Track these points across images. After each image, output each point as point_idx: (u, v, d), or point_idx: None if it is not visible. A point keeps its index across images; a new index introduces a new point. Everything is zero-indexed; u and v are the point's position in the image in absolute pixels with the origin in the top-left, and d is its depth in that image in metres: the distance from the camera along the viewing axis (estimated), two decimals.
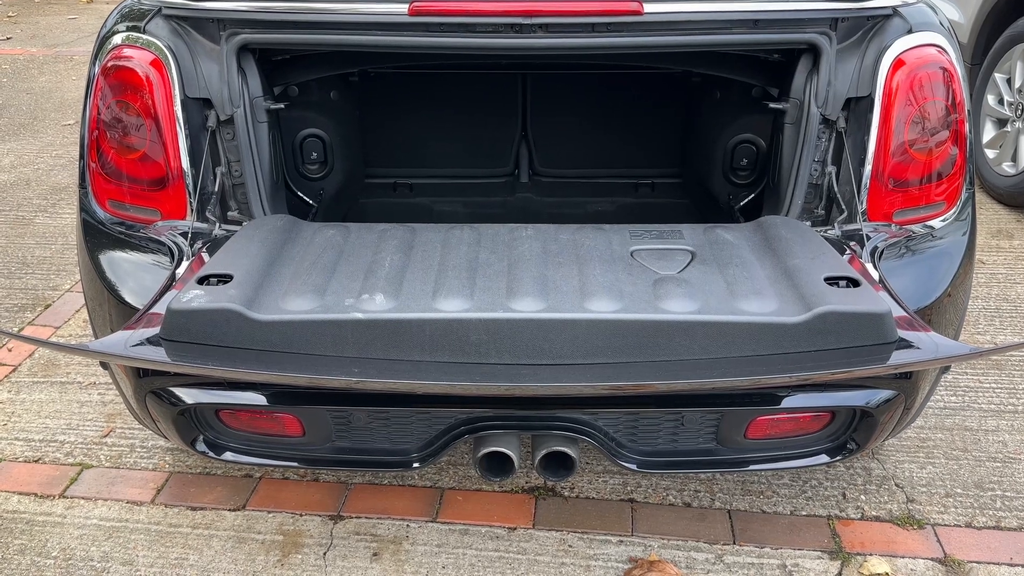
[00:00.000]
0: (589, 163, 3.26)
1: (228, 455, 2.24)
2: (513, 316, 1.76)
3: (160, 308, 1.81)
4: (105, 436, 3.11)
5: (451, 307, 1.79)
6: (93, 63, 2.36)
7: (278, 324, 1.74)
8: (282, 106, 2.43)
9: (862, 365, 1.70)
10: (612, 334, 1.75)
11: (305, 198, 2.78)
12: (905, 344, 1.74)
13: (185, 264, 2.06)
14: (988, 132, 4.98)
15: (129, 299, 2.15)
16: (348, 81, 3.00)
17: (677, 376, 1.73)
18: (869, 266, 2.06)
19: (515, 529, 2.64)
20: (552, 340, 1.76)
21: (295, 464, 2.26)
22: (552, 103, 3.18)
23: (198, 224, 2.27)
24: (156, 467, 2.95)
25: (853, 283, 1.85)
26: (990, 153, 4.97)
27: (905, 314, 1.78)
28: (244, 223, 2.28)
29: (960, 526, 2.65)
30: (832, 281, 1.85)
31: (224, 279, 1.85)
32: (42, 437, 3.11)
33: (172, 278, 2.00)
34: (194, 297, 1.76)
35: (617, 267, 1.95)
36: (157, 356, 1.70)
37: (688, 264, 1.98)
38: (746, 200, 2.76)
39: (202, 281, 1.85)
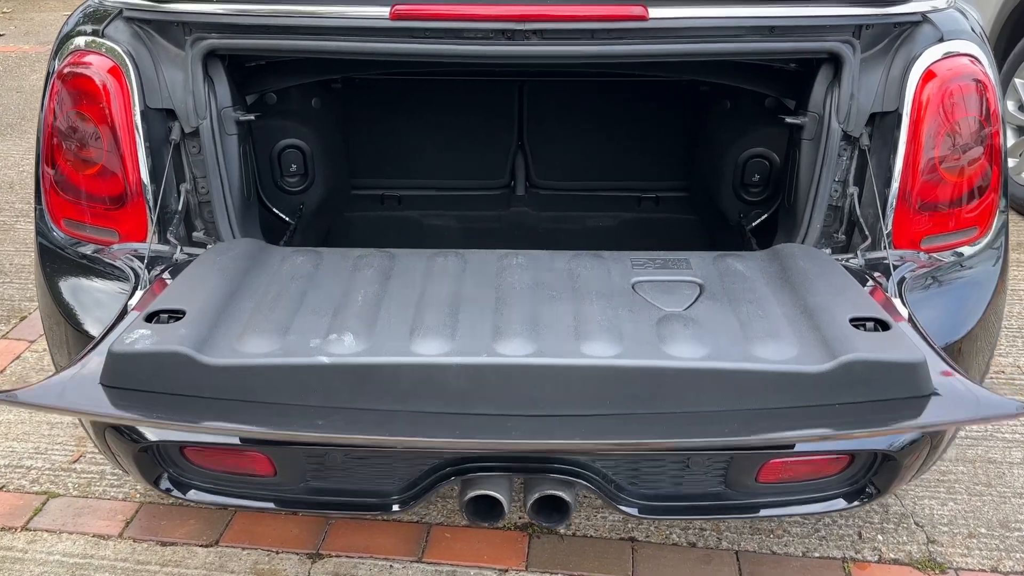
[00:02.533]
0: (589, 175, 3.07)
1: (194, 494, 2.06)
2: (499, 361, 1.57)
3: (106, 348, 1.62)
4: (74, 462, 2.93)
5: (430, 350, 1.60)
6: (52, 62, 2.17)
7: (232, 369, 1.55)
8: (252, 117, 2.24)
9: (893, 423, 1.50)
10: (611, 382, 1.56)
11: (281, 215, 2.58)
12: (941, 396, 1.54)
13: (139, 295, 1.86)
14: (1008, 140, 4.77)
15: (89, 329, 1.98)
16: (331, 88, 2.80)
17: (684, 432, 1.54)
18: (897, 302, 1.86)
19: (507, 571, 2.46)
20: (543, 389, 1.57)
21: (266, 505, 2.08)
22: (550, 111, 2.98)
23: (158, 247, 2.08)
24: (126, 496, 2.77)
25: (882, 325, 1.65)
26: (1010, 162, 4.76)
27: (944, 364, 1.58)
28: (207, 247, 2.09)
29: (985, 571, 2.46)
30: (858, 323, 1.65)
31: (176, 315, 1.66)
32: (7, 462, 2.93)
33: (123, 311, 1.81)
34: (139, 338, 1.57)
35: (617, 302, 1.75)
36: (95, 406, 1.51)
37: (696, 299, 1.79)
38: (759, 220, 2.55)
39: (151, 318, 1.66)
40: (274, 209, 2.58)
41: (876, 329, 1.66)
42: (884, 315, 1.67)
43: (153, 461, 1.96)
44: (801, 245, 2.07)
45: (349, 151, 3.03)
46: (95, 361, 1.59)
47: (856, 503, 2.03)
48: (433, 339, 1.63)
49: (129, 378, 1.56)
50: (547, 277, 1.86)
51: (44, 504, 2.72)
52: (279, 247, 2.03)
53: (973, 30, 2.15)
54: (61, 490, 2.79)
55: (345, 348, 1.60)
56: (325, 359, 1.56)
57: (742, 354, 1.58)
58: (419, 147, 3.02)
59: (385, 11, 1.99)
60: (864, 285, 1.96)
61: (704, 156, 2.87)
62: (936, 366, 1.58)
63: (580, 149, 3.05)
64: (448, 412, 1.57)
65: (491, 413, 1.57)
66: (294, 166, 2.70)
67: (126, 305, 1.83)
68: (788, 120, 2.20)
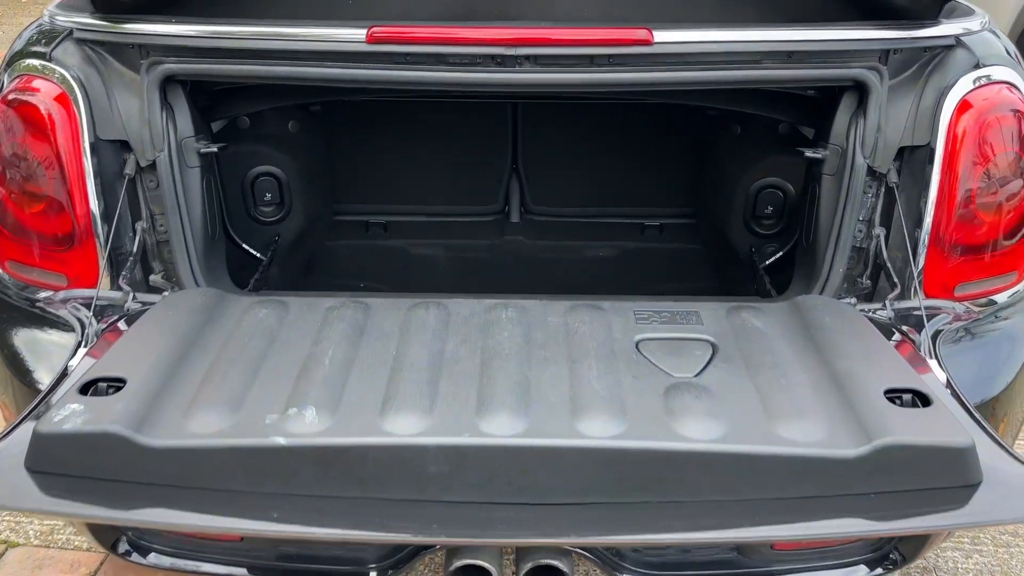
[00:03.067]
0: (588, 201, 2.86)
1: (155, 558, 1.86)
2: (484, 442, 1.37)
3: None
4: None
5: (404, 427, 1.39)
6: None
7: (175, 452, 1.35)
8: (215, 149, 2.03)
9: (936, 519, 1.31)
10: (613, 467, 1.36)
11: (251, 251, 2.37)
12: (990, 486, 1.34)
13: (81, 354, 1.66)
14: None
15: (39, 380, 1.79)
16: (309, 110, 2.60)
17: (695, 524, 1.34)
18: (933, 364, 1.66)
19: None
20: (535, 474, 1.37)
21: (235, 571, 1.87)
22: (546, 133, 2.78)
23: (108, 294, 1.88)
24: (90, 547, 2.57)
25: (921, 399, 1.45)
26: None
27: (995, 446, 1.38)
28: (162, 295, 1.88)
29: None
30: (894, 395, 1.45)
31: (116, 384, 1.46)
32: None
33: (61, 375, 1.60)
34: (69, 415, 1.37)
35: (619, 366, 1.55)
36: (15, 498, 1.31)
37: (709, 362, 1.58)
38: (774, 259, 2.34)
39: (87, 388, 1.45)
40: (244, 245, 2.37)
41: (914, 403, 1.45)
42: (923, 387, 1.47)
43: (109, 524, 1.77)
44: (824, 297, 1.86)
45: (331, 175, 2.83)
46: (20, 440, 1.38)
47: (879, 570, 1.84)
48: (408, 413, 1.42)
49: (58, 462, 1.36)
50: (540, 334, 1.66)
51: (3, 554, 2.53)
52: (241, 296, 1.82)
53: (1008, 53, 1.96)
54: (21, 539, 2.60)
55: (306, 426, 1.39)
56: (282, 440, 1.35)
57: (764, 434, 1.38)
58: (406, 170, 2.83)
59: (362, 34, 1.80)
60: (892, 337, 1.76)
61: (712, 184, 2.66)
62: (985, 448, 1.38)
63: (579, 173, 2.85)
64: (425, 500, 1.37)
65: (474, 501, 1.37)
66: (269, 195, 2.49)
67: (65, 367, 1.62)
68: (808, 154, 1.99)
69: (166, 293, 1.91)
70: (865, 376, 1.49)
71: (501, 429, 1.39)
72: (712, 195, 2.66)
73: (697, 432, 1.38)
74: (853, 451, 1.34)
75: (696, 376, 1.54)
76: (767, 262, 2.33)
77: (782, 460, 1.35)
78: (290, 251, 2.59)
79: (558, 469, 1.36)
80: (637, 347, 1.63)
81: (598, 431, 1.38)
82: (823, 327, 1.65)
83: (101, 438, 1.34)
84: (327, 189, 2.80)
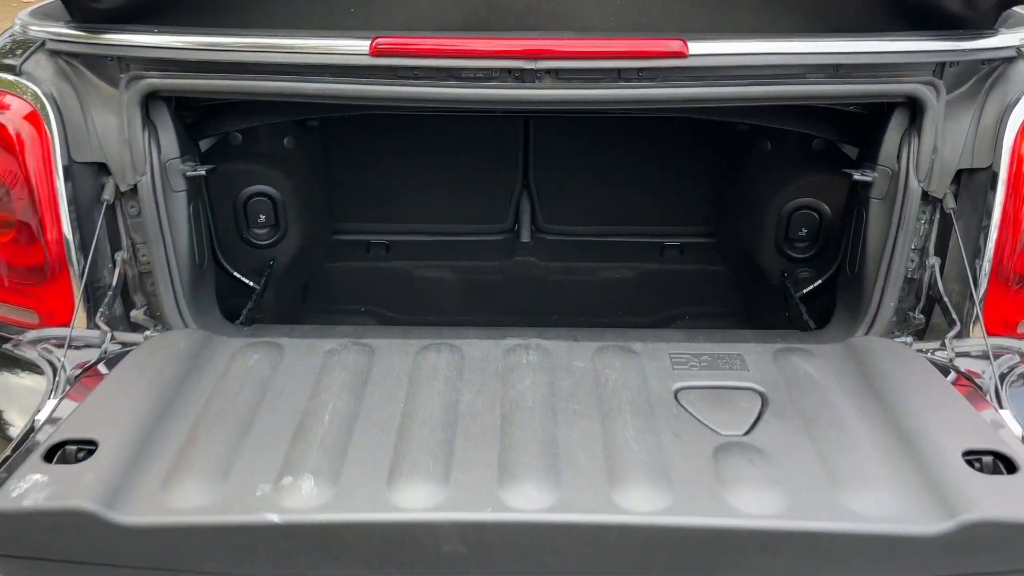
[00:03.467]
0: (603, 219, 2.68)
1: None
2: (508, 518, 1.19)
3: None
4: None
5: (415, 500, 1.22)
6: None
7: (153, 531, 1.17)
8: (203, 172, 1.85)
9: None
10: (659, 549, 1.19)
11: (243, 279, 2.18)
12: None
13: (50, 406, 1.47)
14: None
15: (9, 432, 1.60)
16: (306, 125, 2.41)
17: None
18: (1006, 415, 1.48)
19: None
20: (566, 554, 1.19)
21: None
22: (559, 145, 2.60)
23: (85, 333, 1.70)
24: None
25: (1005, 463, 1.27)
26: None
27: None
28: (145, 336, 1.70)
29: None
30: (973, 458, 1.27)
31: (86, 447, 1.28)
32: None
33: (26, 433, 1.42)
34: (31, 488, 1.18)
35: (658, 421, 1.37)
36: None
37: (759, 417, 1.40)
38: (811, 287, 2.16)
39: (52, 454, 1.27)
40: (235, 273, 2.18)
41: (997, 467, 1.28)
42: (1007, 449, 1.29)
43: None
44: (881, 339, 1.69)
45: (329, 193, 2.64)
46: None
47: None
48: (420, 482, 1.24)
49: (19, 544, 1.18)
50: (566, 382, 1.48)
51: None
52: (230, 338, 1.63)
53: None
54: None
55: (303, 499, 1.21)
56: (275, 517, 1.17)
57: (831, 508, 1.20)
58: (409, 186, 2.64)
59: (365, 46, 1.62)
60: (953, 380, 1.58)
61: (738, 203, 2.48)
62: None
63: (593, 189, 2.67)
64: None
65: None
66: (263, 216, 2.31)
67: (32, 423, 1.44)
68: (856, 176, 1.81)
69: (148, 332, 1.73)
70: (939, 435, 1.31)
71: (528, 502, 1.20)
72: (739, 215, 2.48)
73: (754, 505, 1.20)
74: (934, 528, 1.16)
75: (746, 434, 1.36)
76: (804, 291, 2.14)
77: (854, 539, 1.17)
78: (286, 276, 2.41)
79: (596, 551, 1.19)
80: (676, 397, 1.45)
81: (641, 504, 1.20)
82: (884, 375, 1.47)
83: (68, 516, 1.15)
84: (325, 208, 2.61)
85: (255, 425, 1.36)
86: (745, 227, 2.43)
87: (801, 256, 2.30)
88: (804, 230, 2.26)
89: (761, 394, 1.46)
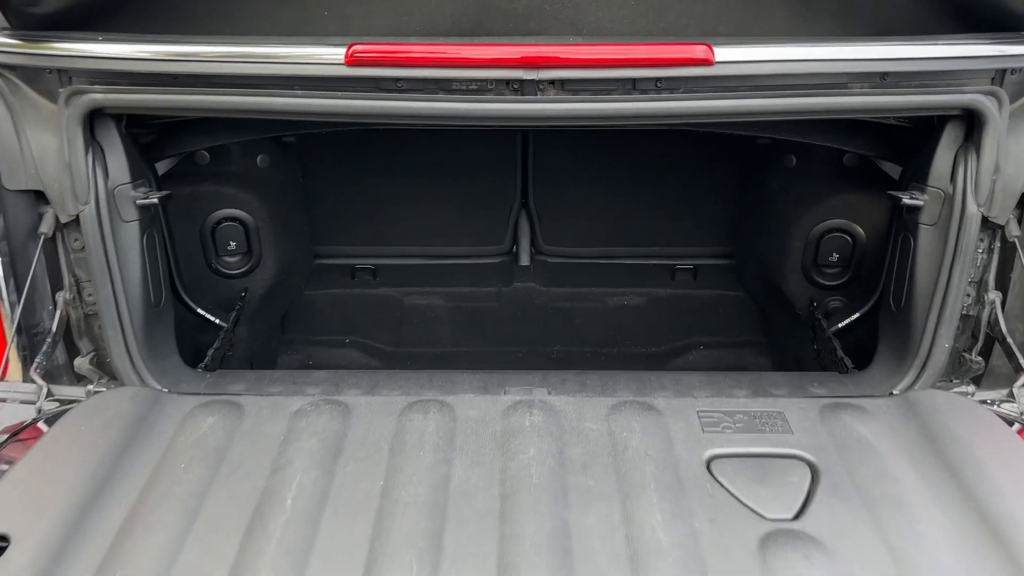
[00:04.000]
0: (609, 240, 2.47)
1: None
2: None
3: None
4: None
5: None
6: None
7: None
8: (156, 200, 1.62)
9: None
10: None
11: (208, 316, 1.95)
12: None
13: None
14: None
15: None
16: (282, 142, 2.18)
17: None
18: None
19: None
20: None
21: None
22: (561, 160, 2.39)
23: (17, 388, 1.47)
24: None
25: None
26: None
27: None
28: (88, 389, 1.47)
29: None
30: None
31: None
32: None
33: None
34: None
35: (690, 502, 1.14)
36: None
37: (810, 494, 1.18)
38: (846, 321, 1.93)
39: None
40: (199, 310, 1.95)
41: None
42: None
43: None
44: (945, 393, 1.46)
45: (309, 215, 2.41)
46: None
47: None
48: None
49: None
50: (577, 449, 1.25)
51: None
52: (182, 396, 1.40)
53: None
54: None
55: None
56: None
57: None
58: (398, 206, 2.42)
59: (340, 54, 1.40)
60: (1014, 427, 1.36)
61: (760, 224, 2.26)
62: None
63: (598, 207, 2.46)
64: None
65: None
66: (233, 243, 2.08)
67: None
68: (905, 200, 1.59)
69: (90, 387, 1.50)
70: None
71: None
72: (760, 236, 2.26)
73: None
74: None
75: (797, 518, 1.13)
76: (839, 325, 1.91)
77: None
78: (261, 307, 2.18)
79: None
80: (710, 468, 1.23)
81: None
82: (956, 440, 1.25)
83: None
84: (305, 231, 2.39)
85: (204, 511, 1.13)
86: (767, 249, 2.21)
87: (831, 283, 2.08)
88: (835, 255, 2.04)
89: (810, 464, 1.23)
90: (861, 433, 1.28)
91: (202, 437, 1.26)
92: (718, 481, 1.20)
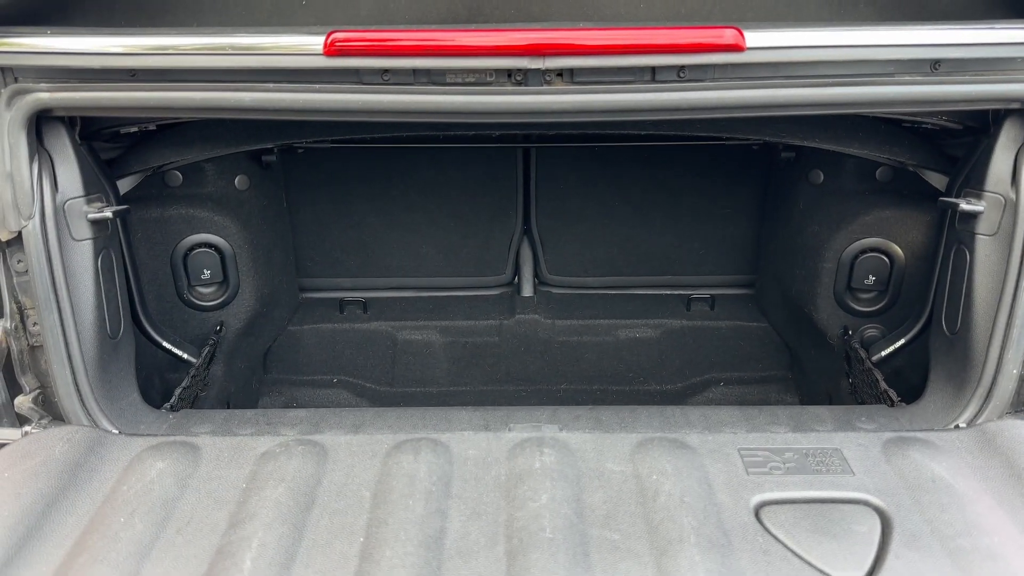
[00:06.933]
0: (619, 268, 2.31)
1: None
2: None
3: None
4: None
5: None
6: None
7: None
8: (110, 215, 1.44)
9: None
10: None
11: (175, 350, 1.75)
12: None
13: None
14: None
15: None
16: (261, 160, 2.01)
17: None
18: None
19: None
20: None
21: None
22: (565, 182, 2.26)
23: None
24: None
25: None
26: None
27: None
28: (25, 431, 1.27)
29: None
30: None
31: None
32: None
33: None
34: None
35: (740, 560, 0.94)
36: None
37: (881, 547, 0.97)
38: (891, 349, 1.73)
39: None
40: (164, 343, 1.75)
41: None
42: None
43: None
44: None
45: (294, 243, 2.23)
46: None
47: None
48: None
49: None
50: (598, 496, 1.04)
51: None
52: (129, 437, 1.20)
53: None
54: None
55: None
56: None
57: None
58: (390, 234, 2.28)
59: (318, 43, 1.23)
60: None
61: (785, 247, 2.08)
62: None
63: (606, 233, 2.33)
64: None
65: None
66: (208, 271, 1.90)
67: None
68: (963, 206, 1.41)
69: (28, 428, 1.29)
70: None
71: None
72: (785, 261, 2.08)
73: None
74: None
75: None
76: (881, 354, 1.71)
77: None
78: (238, 343, 1.99)
79: None
80: (759, 517, 1.02)
81: None
82: None
83: None
84: (287, 260, 2.21)
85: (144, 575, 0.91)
86: (793, 275, 2.02)
87: (867, 309, 1.89)
88: (871, 277, 1.86)
89: (879, 510, 1.03)
90: (935, 472, 1.07)
91: (148, 485, 1.06)
92: (771, 533, 0.99)
